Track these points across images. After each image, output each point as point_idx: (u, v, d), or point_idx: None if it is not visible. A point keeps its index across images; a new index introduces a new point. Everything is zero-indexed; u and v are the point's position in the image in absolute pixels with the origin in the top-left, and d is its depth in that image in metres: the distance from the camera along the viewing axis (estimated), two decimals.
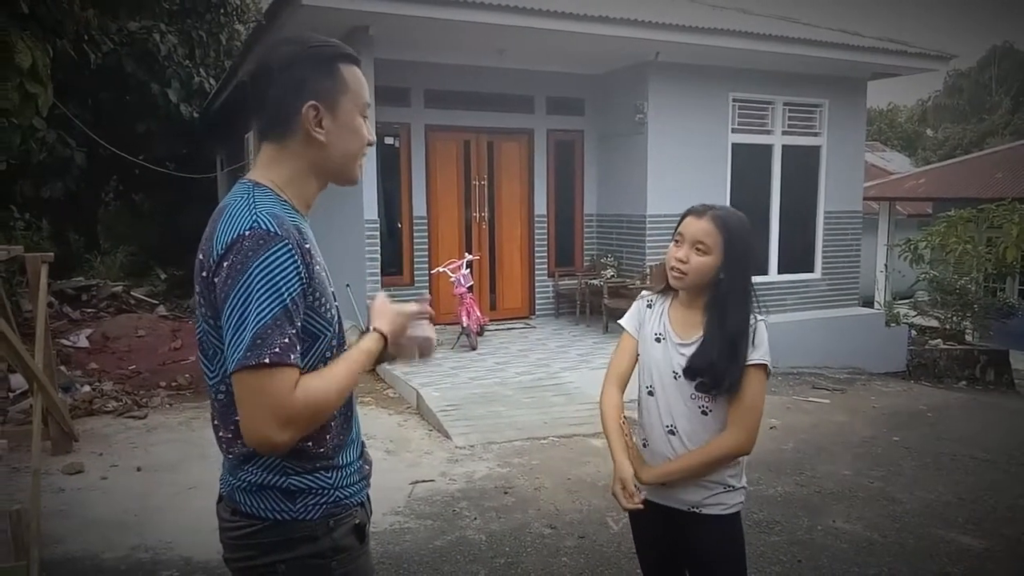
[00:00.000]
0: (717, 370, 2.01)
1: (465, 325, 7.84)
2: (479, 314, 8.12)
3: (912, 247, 12.15)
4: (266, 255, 1.32)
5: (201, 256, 1.40)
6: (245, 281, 1.31)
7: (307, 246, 1.41)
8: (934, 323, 11.42)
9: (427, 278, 8.88)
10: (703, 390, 2.05)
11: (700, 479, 2.09)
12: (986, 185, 15.11)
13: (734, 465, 2.12)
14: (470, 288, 7.97)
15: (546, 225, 9.64)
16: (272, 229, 1.34)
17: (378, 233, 7.76)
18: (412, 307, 1.62)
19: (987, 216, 11.58)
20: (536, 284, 9.68)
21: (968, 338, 11.07)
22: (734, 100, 8.98)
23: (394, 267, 8.69)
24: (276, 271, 1.32)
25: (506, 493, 4.63)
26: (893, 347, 9.66)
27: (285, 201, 1.45)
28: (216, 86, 11.97)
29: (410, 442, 5.56)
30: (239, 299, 1.31)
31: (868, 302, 12.41)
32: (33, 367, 4.50)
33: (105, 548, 3.84)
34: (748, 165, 9.16)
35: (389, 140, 8.67)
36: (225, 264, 1.33)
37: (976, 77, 40.23)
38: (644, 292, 2.30)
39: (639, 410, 2.22)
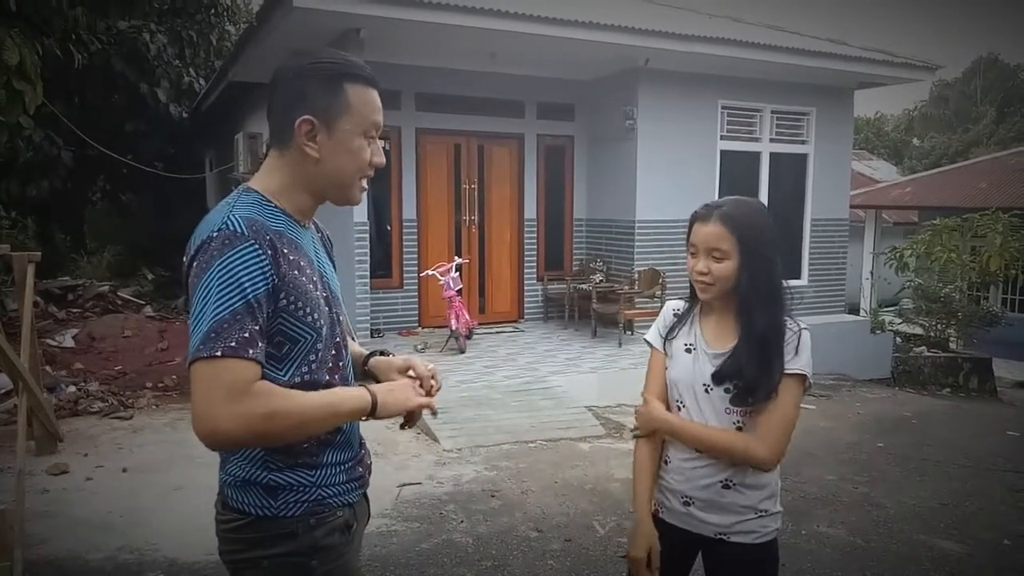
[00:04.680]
0: (747, 377, 1.81)
1: (454, 328, 7.84)
2: (468, 317, 8.12)
3: (897, 255, 12.28)
4: (230, 253, 1.34)
5: (184, 260, 1.44)
6: (207, 278, 1.33)
7: (285, 251, 1.41)
8: (919, 330, 11.54)
9: (416, 281, 8.89)
10: (737, 403, 1.84)
11: (723, 499, 1.88)
12: (971, 195, 15.28)
13: (766, 487, 1.90)
14: (459, 291, 7.98)
15: (535, 229, 9.66)
16: (239, 230, 1.36)
17: (368, 236, 7.76)
18: (420, 369, 1.71)
19: (971, 225, 11.72)
20: (525, 288, 9.70)
21: (952, 346, 11.19)
22: (723, 107, 9.05)
23: (384, 270, 8.68)
24: (238, 268, 1.33)
25: (493, 496, 4.64)
26: (878, 354, 9.75)
27: (275, 207, 1.48)
28: (206, 86, 11.92)
29: (398, 445, 5.56)
30: (200, 295, 1.33)
31: (854, 309, 12.50)
32: (18, 366, 4.48)
33: (90, 549, 3.82)
34: (736, 172, 9.22)
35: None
36: (194, 264, 1.37)
37: (961, 88, 40.62)
38: (670, 302, 2.10)
39: None
